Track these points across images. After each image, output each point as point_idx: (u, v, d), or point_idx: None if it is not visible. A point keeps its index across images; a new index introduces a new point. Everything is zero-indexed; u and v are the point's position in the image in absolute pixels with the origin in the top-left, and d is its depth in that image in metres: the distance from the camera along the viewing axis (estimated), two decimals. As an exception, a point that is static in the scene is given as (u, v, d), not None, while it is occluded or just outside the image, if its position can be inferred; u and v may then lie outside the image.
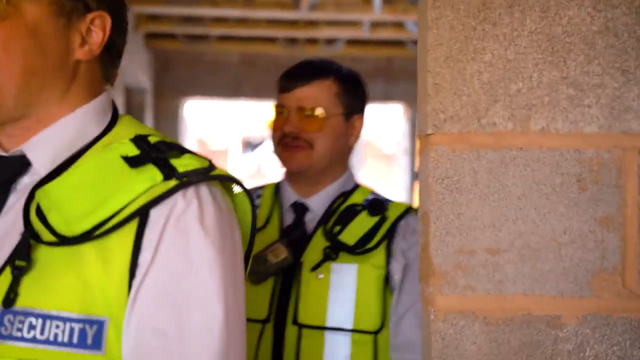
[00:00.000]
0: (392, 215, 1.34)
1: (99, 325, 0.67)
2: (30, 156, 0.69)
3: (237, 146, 12.06)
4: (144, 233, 0.67)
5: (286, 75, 1.37)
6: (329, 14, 3.14)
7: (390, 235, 1.32)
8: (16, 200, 0.71)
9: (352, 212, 1.36)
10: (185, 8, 3.20)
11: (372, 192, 1.43)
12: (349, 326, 1.29)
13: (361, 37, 3.71)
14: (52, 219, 0.67)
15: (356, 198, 1.39)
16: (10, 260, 0.67)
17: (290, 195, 1.41)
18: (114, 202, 0.67)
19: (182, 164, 0.70)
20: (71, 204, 0.68)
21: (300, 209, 1.40)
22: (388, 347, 1.32)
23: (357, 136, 1.40)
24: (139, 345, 0.66)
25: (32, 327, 0.65)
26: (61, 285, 0.67)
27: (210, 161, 0.69)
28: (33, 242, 0.67)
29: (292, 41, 3.92)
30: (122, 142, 0.70)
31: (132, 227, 0.66)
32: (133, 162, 0.69)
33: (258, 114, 9.46)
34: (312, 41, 3.92)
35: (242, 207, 0.73)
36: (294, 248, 1.34)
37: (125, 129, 0.73)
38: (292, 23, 3.50)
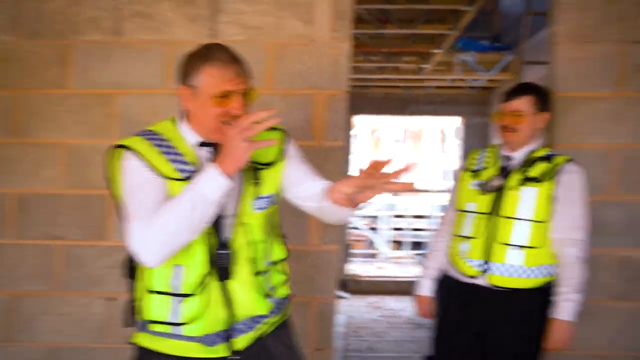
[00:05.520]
0: (558, 162, 2.23)
1: None
2: None
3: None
4: None
5: (507, 93, 2.29)
6: (434, 76, 6.79)
7: (556, 173, 2.20)
8: None
9: (535, 161, 2.24)
10: (365, 75, 6.88)
11: (548, 150, 2.29)
12: (530, 218, 2.19)
13: (443, 84, 7.42)
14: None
15: (539, 153, 2.28)
16: (250, 180, 1.64)
17: (504, 152, 2.33)
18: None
19: None
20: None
21: (508, 159, 2.31)
22: (548, 230, 2.21)
23: (544, 123, 2.30)
24: None
25: (263, 204, 1.68)
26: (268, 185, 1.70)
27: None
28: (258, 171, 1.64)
29: (407, 87, 7.68)
30: None
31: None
32: None
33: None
34: (417, 87, 7.66)
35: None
36: (504, 178, 2.26)
37: None
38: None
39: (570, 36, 2.85)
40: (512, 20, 6.67)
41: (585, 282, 2.27)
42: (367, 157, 19.81)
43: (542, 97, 2.32)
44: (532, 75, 6.12)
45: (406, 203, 9.98)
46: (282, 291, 1.78)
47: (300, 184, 1.76)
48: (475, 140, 7.72)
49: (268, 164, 1.70)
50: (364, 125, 18.45)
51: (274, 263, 1.76)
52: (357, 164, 19.59)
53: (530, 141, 2.32)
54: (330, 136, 2.81)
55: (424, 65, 6.27)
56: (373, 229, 9.61)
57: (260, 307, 1.68)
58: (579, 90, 2.85)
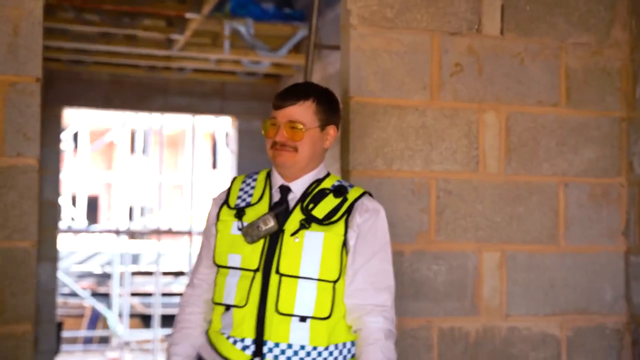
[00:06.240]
0: (351, 197, 2.44)
1: None
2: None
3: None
4: None
5: (279, 95, 2.44)
6: (192, 53, 6.78)
7: (348, 212, 2.40)
8: None
9: (322, 194, 2.43)
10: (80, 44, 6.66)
11: (339, 180, 2.53)
12: (316, 276, 2.34)
13: (206, 67, 7.51)
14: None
15: (326, 184, 2.48)
16: None
17: (278, 180, 2.47)
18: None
19: None
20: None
21: (285, 190, 2.46)
22: (342, 293, 2.37)
23: (331, 140, 2.50)
24: None
25: None
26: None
27: None
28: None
29: (152, 68, 7.62)
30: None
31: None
32: None
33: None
34: (167, 68, 7.65)
35: None
36: (279, 219, 2.38)
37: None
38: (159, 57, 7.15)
39: (369, 18, 3.03)
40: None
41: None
42: (91, 176, 19.14)
43: (328, 104, 2.47)
44: (334, 63, 6.28)
45: (156, 251, 9.71)
46: None
47: None
48: (256, 153, 7.79)
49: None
50: (82, 125, 17.75)
51: None
52: (72, 188, 18.32)
53: (313, 166, 2.48)
54: (10, 149, 2.68)
55: (174, 36, 6.28)
56: (101, 295, 9.35)
57: None
58: (383, 95, 3.05)
